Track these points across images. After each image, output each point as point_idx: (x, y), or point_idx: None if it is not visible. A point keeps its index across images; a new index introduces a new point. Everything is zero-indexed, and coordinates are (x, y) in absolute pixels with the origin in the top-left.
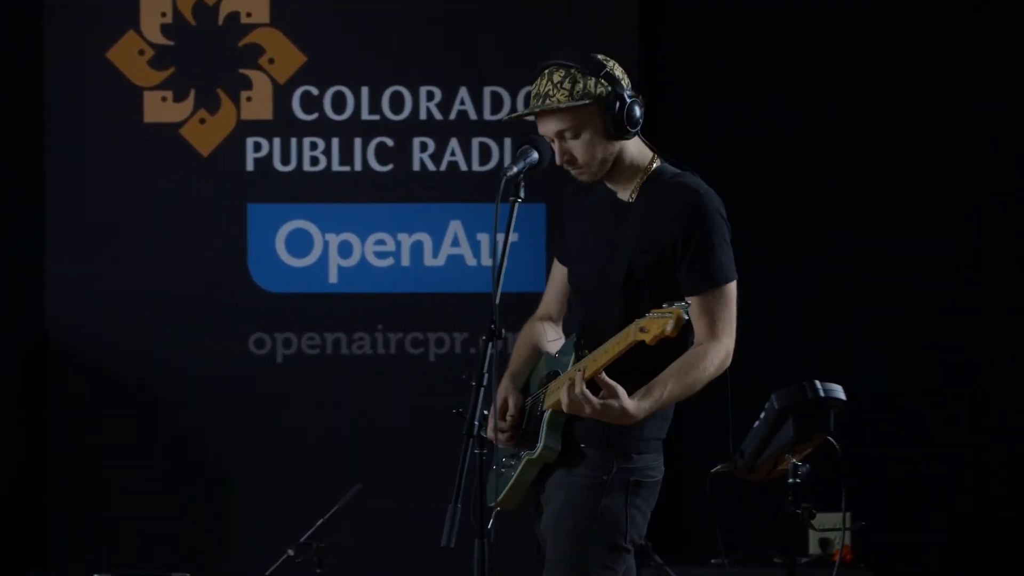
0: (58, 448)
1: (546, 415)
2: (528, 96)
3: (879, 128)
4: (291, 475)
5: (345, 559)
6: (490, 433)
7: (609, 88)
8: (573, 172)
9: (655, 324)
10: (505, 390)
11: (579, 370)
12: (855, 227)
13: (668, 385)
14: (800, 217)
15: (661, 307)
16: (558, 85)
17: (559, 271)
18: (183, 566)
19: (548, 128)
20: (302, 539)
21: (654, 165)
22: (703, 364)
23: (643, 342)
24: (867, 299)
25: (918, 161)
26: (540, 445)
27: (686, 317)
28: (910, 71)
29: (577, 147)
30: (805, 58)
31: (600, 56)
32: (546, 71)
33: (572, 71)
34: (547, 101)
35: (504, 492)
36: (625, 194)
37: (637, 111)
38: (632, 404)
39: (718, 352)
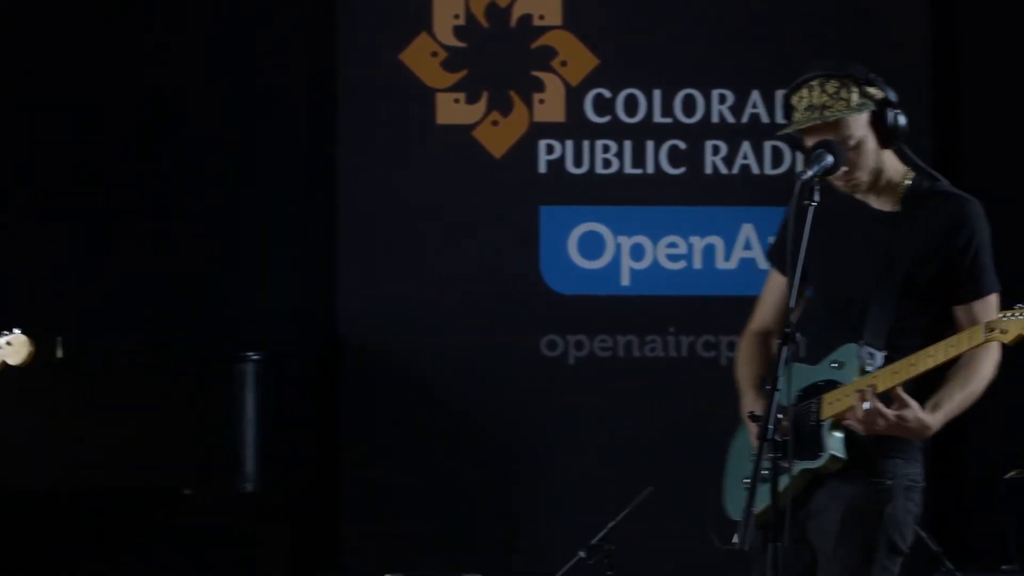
0: (350, 449)
1: (826, 425)
2: (788, 108)
3: None
4: (581, 477)
5: (636, 562)
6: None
7: (882, 95)
8: (843, 184)
9: (1017, 324)
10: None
11: (870, 385)
12: None
13: (955, 395)
14: None
15: (1013, 307)
16: (835, 95)
17: (780, 283)
18: (473, 566)
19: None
20: (593, 541)
21: (910, 173)
22: (983, 372)
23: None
24: None
25: None
26: (826, 455)
27: None
28: None
29: (856, 156)
30: None
31: (859, 64)
32: (814, 82)
33: (845, 80)
34: (827, 112)
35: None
36: (885, 204)
37: (903, 119)
38: (930, 417)
39: (994, 359)
